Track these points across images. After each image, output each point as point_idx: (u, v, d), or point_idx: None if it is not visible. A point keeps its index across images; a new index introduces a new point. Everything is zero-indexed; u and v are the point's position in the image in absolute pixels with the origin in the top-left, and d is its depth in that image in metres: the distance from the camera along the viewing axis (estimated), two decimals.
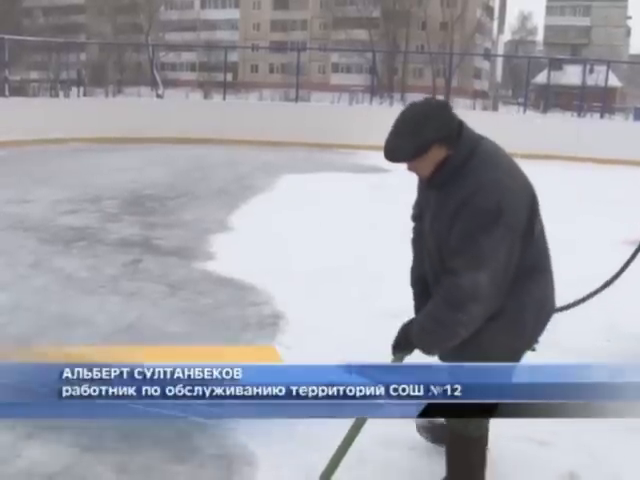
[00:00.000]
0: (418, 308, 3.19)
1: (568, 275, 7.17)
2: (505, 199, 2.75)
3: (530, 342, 3.11)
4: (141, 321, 5.58)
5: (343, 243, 8.22)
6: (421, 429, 3.80)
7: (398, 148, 2.83)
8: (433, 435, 3.76)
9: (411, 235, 3.35)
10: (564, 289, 6.86)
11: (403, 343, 3.06)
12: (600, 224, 10.11)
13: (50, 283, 6.47)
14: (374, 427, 3.96)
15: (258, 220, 9.54)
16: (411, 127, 2.80)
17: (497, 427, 4.07)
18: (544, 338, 5.20)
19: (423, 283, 3.18)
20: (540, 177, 13.31)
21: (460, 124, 2.88)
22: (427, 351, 3.00)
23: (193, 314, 5.81)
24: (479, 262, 2.74)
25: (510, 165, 2.90)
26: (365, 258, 7.37)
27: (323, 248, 7.98)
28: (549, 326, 4.93)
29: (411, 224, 3.37)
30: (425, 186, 3.05)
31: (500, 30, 31.08)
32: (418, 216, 3.23)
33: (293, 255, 7.60)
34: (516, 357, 3.05)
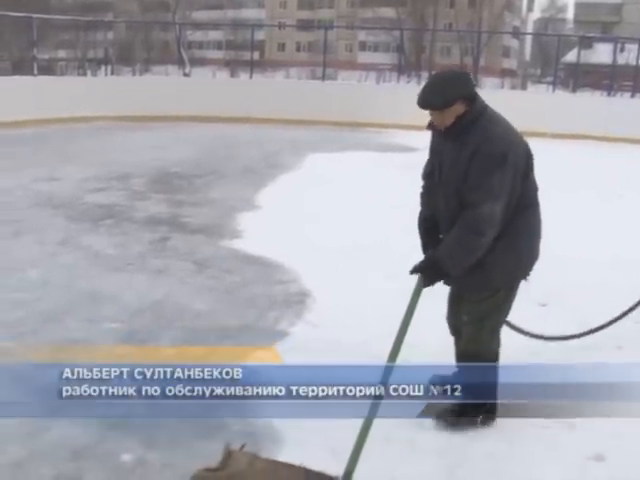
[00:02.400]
0: (425, 244, 3.86)
1: (601, 256, 7.17)
2: (507, 147, 3.53)
3: (524, 270, 3.75)
4: (168, 298, 5.61)
5: (371, 222, 8.20)
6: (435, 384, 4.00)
7: (432, 98, 3.55)
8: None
9: (420, 190, 3.96)
10: (594, 269, 6.82)
11: (430, 272, 3.59)
12: (632, 205, 10.02)
13: (78, 260, 6.52)
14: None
15: (285, 198, 9.54)
16: (443, 84, 3.60)
17: None
18: (574, 318, 5.19)
19: (429, 222, 3.86)
20: (569, 157, 13.13)
21: (476, 90, 3.64)
22: (453, 272, 3.60)
23: (220, 292, 5.83)
24: (493, 194, 3.48)
25: (509, 125, 3.66)
26: (392, 237, 7.35)
27: (351, 227, 7.97)
28: (579, 306, 4.92)
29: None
30: (441, 139, 3.69)
31: (529, 8, 30.78)
32: (430, 173, 3.86)
33: (320, 233, 7.59)
34: (513, 283, 3.77)
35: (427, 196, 3.93)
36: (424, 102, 3.56)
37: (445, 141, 3.69)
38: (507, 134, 3.60)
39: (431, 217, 3.88)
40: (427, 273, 3.61)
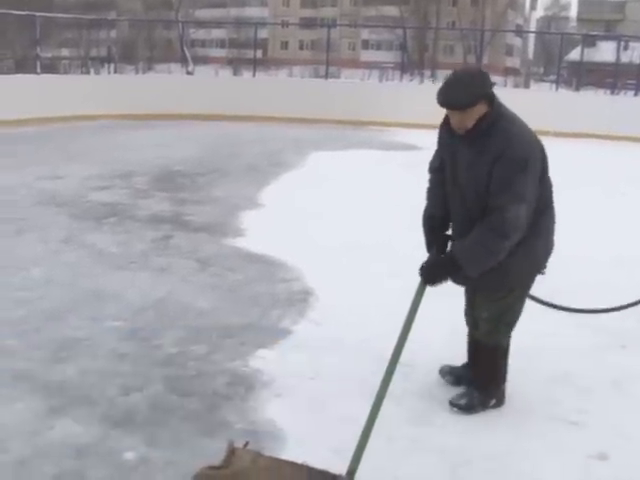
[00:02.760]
0: (430, 242, 3.82)
1: (604, 255, 7.16)
2: (528, 151, 3.50)
3: (539, 266, 3.78)
4: (171, 296, 5.61)
5: (374, 220, 8.19)
6: (444, 373, 4.27)
7: (455, 97, 3.46)
8: (455, 377, 4.21)
9: (427, 185, 3.95)
10: (597, 268, 6.81)
11: (448, 270, 3.62)
12: (635, 203, 10.01)
13: (81, 259, 6.52)
14: (405, 402, 3.98)
15: (288, 197, 9.53)
16: (465, 82, 3.51)
17: (530, 407, 4.07)
18: (576, 317, 5.20)
19: (434, 220, 3.82)
20: (573, 156, 13.11)
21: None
22: (471, 273, 3.59)
23: (223, 290, 5.83)
24: (519, 197, 3.44)
25: (525, 124, 3.62)
26: (395, 235, 7.34)
27: (354, 225, 7.97)
28: (582, 305, 4.91)
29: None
30: (455, 140, 3.62)
31: (532, 6, 30.74)
32: (439, 168, 3.84)
33: (323, 232, 7.59)
34: (529, 278, 3.83)
35: (435, 191, 3.89)
36: (446, 101, 3.47)
37: (460, 140, 3.61)
38: (524, 135, 3.55)
39: (437, 215, 3.83)
40: (442, 269, 3.62)
